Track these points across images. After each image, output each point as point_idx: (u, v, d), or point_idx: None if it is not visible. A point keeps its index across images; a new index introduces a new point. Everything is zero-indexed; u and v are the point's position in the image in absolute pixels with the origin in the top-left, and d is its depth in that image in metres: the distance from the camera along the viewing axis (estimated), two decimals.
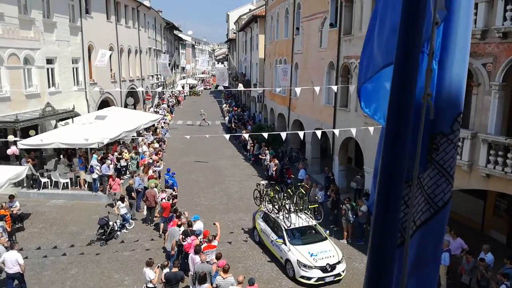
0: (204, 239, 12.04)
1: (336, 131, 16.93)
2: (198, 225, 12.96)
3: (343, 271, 12.22)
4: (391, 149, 1.17)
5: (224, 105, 50.62)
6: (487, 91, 10.95)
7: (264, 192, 15.15)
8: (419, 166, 1.53)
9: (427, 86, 1.26)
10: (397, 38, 1.14)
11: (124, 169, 21.33)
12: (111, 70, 31.34)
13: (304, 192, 14.63)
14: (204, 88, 70.07)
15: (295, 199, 13.95)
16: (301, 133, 17.71)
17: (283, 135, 17.53)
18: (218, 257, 10.96)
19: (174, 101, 53.44)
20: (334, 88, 17.66)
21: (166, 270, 10.54)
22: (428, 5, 1.19)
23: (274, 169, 20.75)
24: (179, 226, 12.68)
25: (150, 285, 10.21)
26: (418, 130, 1.25)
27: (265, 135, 18.47)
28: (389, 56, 1.57)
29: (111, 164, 19.39)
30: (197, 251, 10.86)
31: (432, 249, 1.68)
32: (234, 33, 61.05)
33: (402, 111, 1.15)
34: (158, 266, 10.59)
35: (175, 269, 10.48)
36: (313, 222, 13.62)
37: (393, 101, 1.16)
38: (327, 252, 12.33)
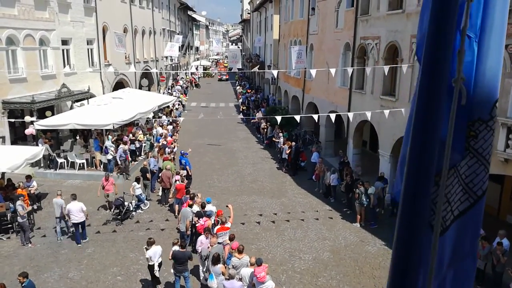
0: (216, 218, 12.12)
1: (351, 115, 16.66)
2: (209, 208, 13.03)
3: None
4: (420, 137, 1.09)
5: (238, 87, 50.34)
6: (508, 74, 10.60)
7: None
8: (457, 154, 1.51)
9: (459, 69, 1.17)
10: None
11: (138, 150, 21.55)
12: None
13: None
14: (219, 79, 67.76)
15: None
16: (315, 116, 17.48)
17: (297, 118, 17.33)
18: (232, 239, 11.03)
19: (188, 84, 53.26)
20: (350, 70, 17.33)
21: (176, 247, 10.51)
22: None
23: (288, 152, 20.65)
24: (190, 206, 12.78)
25: (151, 262, 10.27)
26: (451, 117, 1.17)
27: (279, 118, 18.27)
28: None
29: (127, 148, 19.49)
30: (206, 230, 10.96)
31: (470, 241, 1.63)
32: (248, 13, 60.26)
33: (432, 95, 1.06)
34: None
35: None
36: None
37: (423, 84, 1.07)
38: None
